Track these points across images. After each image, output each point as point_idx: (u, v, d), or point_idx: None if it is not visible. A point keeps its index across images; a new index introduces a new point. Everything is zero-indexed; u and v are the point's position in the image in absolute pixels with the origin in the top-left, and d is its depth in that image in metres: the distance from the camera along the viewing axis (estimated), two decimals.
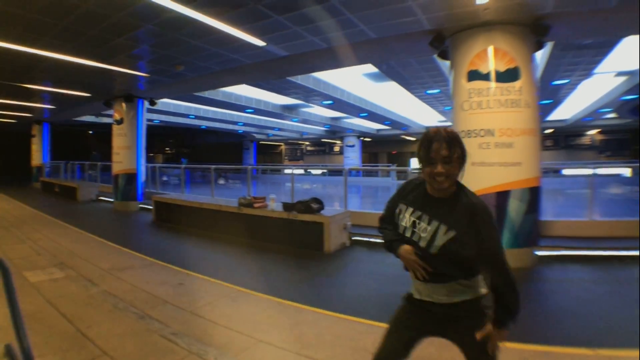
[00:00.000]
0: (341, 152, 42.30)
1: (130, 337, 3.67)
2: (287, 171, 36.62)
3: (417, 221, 2.01)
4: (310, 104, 21.68)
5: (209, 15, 6.50)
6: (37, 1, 6.01)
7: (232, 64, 9.39)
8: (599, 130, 34.74)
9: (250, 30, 7.18)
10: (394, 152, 44.44)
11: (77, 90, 13.47)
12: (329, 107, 21.65)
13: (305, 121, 28.48)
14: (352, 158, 38.73)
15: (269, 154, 54.05)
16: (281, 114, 24.34)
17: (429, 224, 1.96)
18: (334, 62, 9.50)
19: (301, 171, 38.95)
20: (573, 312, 4.83)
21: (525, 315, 4.30)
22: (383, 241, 2.18)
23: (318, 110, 25.24)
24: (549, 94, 17.75)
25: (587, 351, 3.48)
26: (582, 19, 6.74)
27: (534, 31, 6.75)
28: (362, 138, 39.28)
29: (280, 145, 53.65)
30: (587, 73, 14.13)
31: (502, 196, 6.70)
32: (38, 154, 24.20)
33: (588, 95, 20.28)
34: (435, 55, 8.20)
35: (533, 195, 6.80)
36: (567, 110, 25.39)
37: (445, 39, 7.31)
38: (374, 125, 32.25)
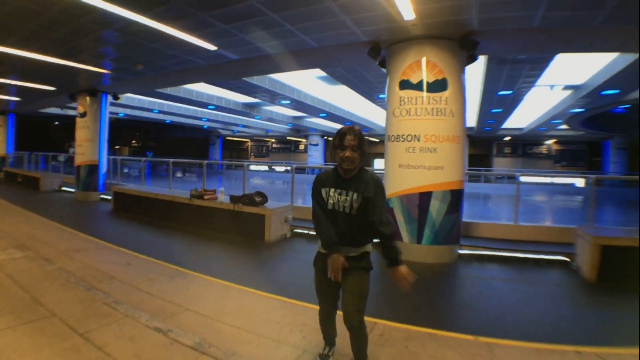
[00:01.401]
0: (306, 151, 42.97)
1: (77, 304, 4.30)
2: (252, 167, 37.20)
3: (339, 196, 2.85)
4: (269, 103, 22.31)
5: (162, 23, 7.11)
6: (5, 6, 6.56)
7: (188, 64, 9.98)
8: (555, 140, 35.90)
9: (201, 36, 7.78)
10: None
11: (42, 84, 13.76)
12: (288, 106, 22.19)
13: (269, 119, 28.98)
14: (316, 157, 39.33)
15: (235, 149, 54.39)
16: (243, 111, 24.84)
17: (347, 195, 2.83)
18: (283, 66, 10.14)
19: (266, 167, 39.45)
20: (471, 304, 5.48)
21: (424, 304, 5.16)
22: (323, 237, 2.91)
23: (280, 109, 25.70)
24: (497, 103, 18.58)
25: (468, 337, 3.96)
26: (509, 36, 7.27)
27: (462, 46, 7.22)
28: (325, 137, 39.87)
29: (247, 141, 54.06)
30: (529, 85, 14.87)
31: (425, 197, 7.25)
32: (2, 144, 24.02)
33: (539, 106, 21.16)
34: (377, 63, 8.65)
35: (454, 197, 7.34)
36: (523, 119, 26.20)
37: (382, 50, 7.85)
38: (337, 126, 32.06)
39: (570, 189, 24.86)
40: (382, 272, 6.22)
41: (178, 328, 3.79)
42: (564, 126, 26.59)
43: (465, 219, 8.48)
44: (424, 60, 7.33)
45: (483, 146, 38.08)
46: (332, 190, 2.88)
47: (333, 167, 2.98)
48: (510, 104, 18.84)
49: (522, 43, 7.98)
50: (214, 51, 8.57)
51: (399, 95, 7.55)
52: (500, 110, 20.66)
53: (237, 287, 5.15)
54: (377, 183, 2.85)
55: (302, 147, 47.89)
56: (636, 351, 3.55)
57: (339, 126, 19.09)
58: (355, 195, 2.80)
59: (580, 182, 25.00)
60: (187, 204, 9.58)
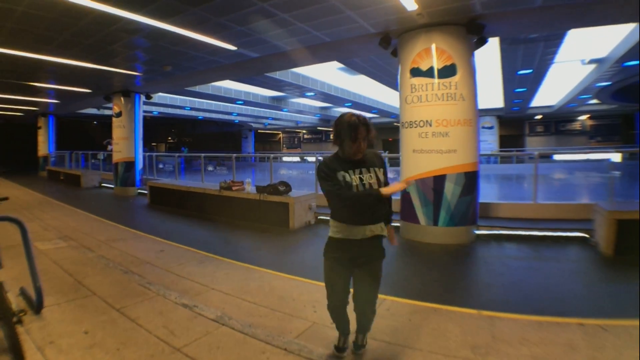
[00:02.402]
0: None
1: (115, 285, 4.87)
2: (285, 159, 37.75)
3: (361, 176, 2.83)
4: (294, 96, 22.79)
5: (183, 28, 7.68)
6: (42, 20, 7.24)
7: (212, 64, 10.57)
8: (588, 115, 34.83)
9: (220, 38, 8.32)
10: (390, 140, 45.22)
11: (79, 87, 14.64)
12: (313, 98, 22.64)
13: (297, 111, 29.41)
14: None
15: (268, 142, 55.05)
16: (271, 104, 25.38)
17: (369, 172, 2.86)
18: (301, 60, 10.64)
19: (297, 159, 39.91)
20: (481, 282, 5.68)
21: (434, 282, 5.46)
22: (354, 200, 2.79)
23: (307, 101, 26.06)
24: (519, 82, 18.53)
25: (472, 311, 4.13)
26: (515, 17, 7.31)
27: (469, 30, 7.37)
28: None
29: (279, 133, 54.61)
30: (548, 63, 14.77)
31: (439, 180, 7.46)
32: (44, 144, 25.45)
33: (566, 82, 20.78)
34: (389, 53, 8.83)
35: (468, 179, 7.49)
36: (552, 97, 25.75)
37: (392, 40, 8.07)
38: (364, 114, 32.08)
39: (605, 165, 24.12)
40: (396, 253, 6.64)
41: (202, 304, 4.28)
42: (595, 101, 25.96)
43: (493, 200, 8.75)
44: (432, 47, 7.52)
45: (514, 126, 37.22)
46: (351, 172, 2.82)
47: (332, 154, 2.98)
48: (533, 82, 18.69)
49: (529, 22, 8.00)
50: (235, 50, 9.09)
51: (410, 83, 7.78)
52: (525, 89, 20.55)
53: (260, 270, 5.61)
54: (379, 153, 3.05)
55: (332, 136, 47.66)
56: (634, 321, 3.65)
57: (366, 114, 18.99)
58: (377, 169, 2.88)
59: (616, 157, 24.17)
60: (216, 195, 10.17)
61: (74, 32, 7.99)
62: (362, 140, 2.76)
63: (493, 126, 32.25)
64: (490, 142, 32.04)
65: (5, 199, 4.31)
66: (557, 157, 29.18)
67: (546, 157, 29.85)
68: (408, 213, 7.89)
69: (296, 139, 53.80)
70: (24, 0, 6.38)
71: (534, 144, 37.47)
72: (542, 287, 5.23)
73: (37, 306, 3.87)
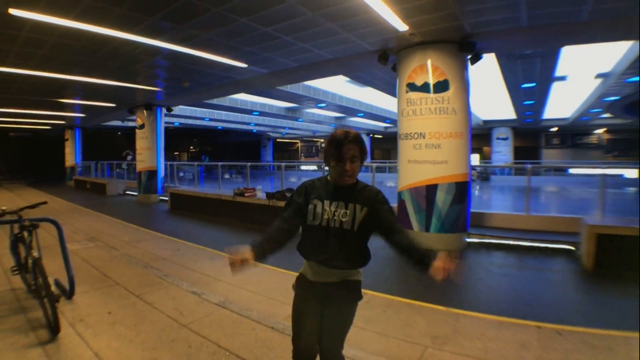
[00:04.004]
0: None
1: (136, 277, 5.67)
2: (303, 167, 38.55)
3: (336, 210, 2.38)
4: (307, 107, 23.56)
5: (197, 50, 8.53)
6: (71, 47, 8.24)
7: (226, 80, 11.45)
8: (605, 129, 34.16)
9: (231, 58, 9.11)
10: None
11: (104, 102, 15.74)
12: (325, 109, 23.37)
13: (312, 121, 30.03)
14: None
15: (287, 151, 55.99)
16: (286, 115, 26.08)
17: (346, 208, 2.37)
18: (309, 75, 11.48)
19: (315, 167, 40.57)
20: (459, 284, 5.80)
21: (417, 282, 5.78)
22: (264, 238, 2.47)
23: (321, 111, 26.63)
24: (526, 95, 18.72)
25: (441, 307, 4.56)
26: (505, 35, 7.58)
27: (461, 48, 7.72)
28: (371, 135, 40.41)
29: (297, 142, 55.37)
30: (550, 76, 15.02)
31: (431, 189, 7.90)
32: (71, 155, 26.77)
33: (574, 95, 20.64)
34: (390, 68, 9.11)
35: (459, 189, 7.88)
36: (565, 109, 25.46)
37: (390, 56, 8.53)
38: (379, 124, 32.97)
39: (618, 181, 23.60)
40: (387, 255, 7.22)
41: (209, 292, 5.03)
42: (607, 114, 25.67)
43: (490, 210, 9.16)
44: (426, 63, 7.96)
45: (530, 138, 36.83)
46: (327, 203, 2.43)
47: (321, 176, 2.60)
48: (540, 94, 18.80)
49: (521, 40, 8.30)
50: (246, 67, 9.88)
51: (406, 97, 8.23)
52: (533, 102, 20.68)
53: (262, 266, 6.20)
54: (379, 192, 2.47)
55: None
56: (592, 330, 3.93)
57: (381, 124, 19.84)
58: (357, 207, 2.38)
59: (631, 173, 22.68)
60: (230, 201, 11.00)
61: (99, 56, 8.92)
62: (349, 160, 2.32)
63: (508, 137, 32.26)
64: (504, 153, 32.16)
65: (44, 202, 5.13)
66: (572, 170, 28.92)
67: (561, 170, 29.93)
68: (403, 219, 8.32)
69: (314, 148, 54.36)
70: (55, 32, 7.28)
71: (549, 157, 37.01)
72: (514, 292, 5.67)
73: (69, 293, 4.67)
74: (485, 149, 36.74)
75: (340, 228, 2.37)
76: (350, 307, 2.51)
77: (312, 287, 2.51)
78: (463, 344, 3.66)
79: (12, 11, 6.22)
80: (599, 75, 16.25)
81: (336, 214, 2.39)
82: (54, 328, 3.74)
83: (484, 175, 26.23)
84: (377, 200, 2.40)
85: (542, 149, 37.90)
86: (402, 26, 7.01)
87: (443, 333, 3.90)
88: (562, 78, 15.89)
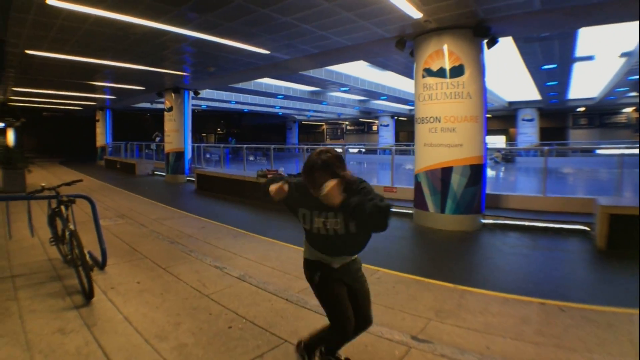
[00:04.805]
0: (378, 132, 42.91)
1: (163, 251, 6.12)
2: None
3: (326, 221, 2.35)
4: (330, 91, 23.75)
5: (220, 37, 8.95)
6: (103, 34, 8.75)
7: (249, 65, 11.84)
8: (634, 108, 32.99)
9: (254, 45, 9.50)
10: None
11: (133, 85, 16.39)
12: (347, 92, 23.53)
13: (336, 104, 30.20)
14: (387, 137, 39.85)
15: (312, 133, 56.02)
16: (310, 98, 26.32)
17: (336, 217, 2.32)
18: (328, 61, 11.82)
19: (340, 150, 40.54)
20: (470, 263, 6.26)
21: (428, 261, 6.30)
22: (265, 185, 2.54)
23: (344, 95, 26.70)
24: (548, 76, 18.60)
25: (449, 284, 4.73)
26: (519, 19, 7.62)
27: (476, 33, 7.84)
28: (396, 117, 40.16)
29: (322, 125, 55.32)
30: (570, 57, 14.90)
31: (446, 171, 8.15)
32: (102, 136, 27.78)
33: (599, 75, 20.25)
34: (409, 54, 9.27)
35: (474, 171, 8.08)
36: (591, 89, 24.93)
37: (407, 42, 8.72)
38: (404, 107, 32.75)
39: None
40: (403, 236, 7.51)
41: (230, 266, 5.42)
42: (634, 93, 24.99)
43: (507, 192, 9.34)
44: (442, 49, 8.14)
45: (557, 118, 36.06)
46: (316, 213, 2.39)
47: None
48: (562, 75, 18.68)
49: (535, 23, 8.27)
50: (268, 54, 10.23)
51: (423, 82, 8.45)
52: (556, 82, 20.51)
53: (281, 244, 6.68)
54: (359, 181, 2.34)
55: (375, 128, 47.66)
56: (594, 307, 4.03)
57: (405, 107, 19.87)
58: (350, 218, 2.32)
59: None
60: (254, 182, 11.39)
61: (129, 43, 9.42)
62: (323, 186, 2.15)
63: (533, 118, 31.87)
64: (530, 134, 31.81)
65: (80, 180, 5.60)
66: (600, 151, 28.36)
67: (588, 151, 29.37)
68: (419, 201, 8.67)
69: (339, 130, 54.21)
70: (88, 20, 7.78)
71: (577, 137, 36.16)
72: (523, 271, 5.82)
73: (102, 264, 5.12)
74: (512, 130, 36.25)
75: (335, 234, 2.39)
76: (364, 276, 2.67)
77: (332, 270, 2.53)
78: (466, 318, 3.83)
79: (49, 1, 6.72)
80: (623, 55, 16.05)
81: (327, 224, 2.37)
82: (88, 294, 4.16)
83: (509, 157, 25.97)
84: (359, 193, 2.24)
85: (569, 129, 37.07)
86: (416, 14, 7.21)
87: (447, 307, 4.09)
88: (590, 57, 15.77)
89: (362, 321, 2.62)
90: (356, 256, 2.63)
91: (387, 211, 2.09)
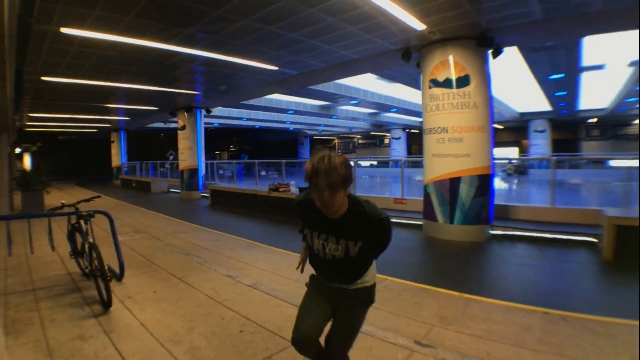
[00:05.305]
0: (390, 144, 42.69)
1: (178, 262, 6.31)
2: None
3: (325, 243, 2.22)
4: (340, 104, 23.99)
5: (230, 56, 9.21)
6: (116, 58, 9.07)
7: (259, 82, 12.10)
8: None
9: (262, 62, 9.74)
10: None
11: (146, 106, 16.81)
12: (358, 105, 23.62)
13: (347, 118, 30.30)
14: (398, 150, 39.56)
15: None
16: (320, 113, 26.60)
17: (337, 243, 2.18)
18: (336, 75, 12.03)
19: (351, 164, 40.72)
20: (476, 272, 6.28)
21: (436, 270, 6.43)
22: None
23: (355, 108, 26.87)
24: (556, 86, 18.46)
25: (454, 292, 4.78)
26: (522, 29, 7.65)
27: (480, 43, 7.86)
28: (407, 130, 39.97)
29: (334, 139, 55.62)
30: (577, 66, 14.78)
31: (454, 182, 8.14)
32: (117, 156, 28.30)
33: (608, 85, 19.81)
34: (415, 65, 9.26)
35: (482, 181, 8.06)
36: (602, 99, 24.45)
37: (412, 54, 8.78)
38: (415, 119, 32.37)
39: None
40: (412, 246, 7.60)
41: (242, 275, 5.58)
42: None
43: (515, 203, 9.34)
44: (447, 59, 8.20)
45: (568, 129, 35.53)
46: (316, 234, 2.29)
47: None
48: (569, 85, 18.52)
49: (538, 33, 8.25)
50: (277, 70, 10.46)
51: (429, 93, 8.52)
52: (565, 92, 20.36)
53: (292, 254, 6.79)
54: (380, 219, 2.15)
55: (386, 141, 47.74)
56: (596, 317, 4.01)
57: (417, 119, 20.63)
58: (350, 244, 2.18)
59: None
60: (266, 196, 11.63)
61: (141, 65, 9.76)
62: (329, 190, 1.99)
63: (545, 130, 31.34)
64: (542, 146, 31.29)
65: (98, 196, 5.84)
66: (612, 163, 27.89)
67: (599, 162, 28.85)
68: (428, 212, 8.71)
69: (351, 144, 54.48)
70: (101, 45, 8.12)
71: (590, 149, 35.43)
72: (528, 281, 5.83)
73: (119, 275, 5.32)
74: (524, 142, 35.89)
75: (333, 259, 2.26)
76: (361, 312, 2.41)
77: (327, 289, 2.43)
78: (469, 325, 3.88)
79: (63, 30, 7.06)
80: (632, 64, 15.50)
81: (327, 247, 2.24)
82: (106, 303, 4.33)
83: (521, 169, 25.63)
84: (372, 228, 2.15)
85: (581, 141, 36.45)
86: (419, 26, 7.31)
87: (451, 315, 4.14)
88: (600, 67, 15.47)
89: (329, 353, 2.50)
90: (361, 285, 2.39)
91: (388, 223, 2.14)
